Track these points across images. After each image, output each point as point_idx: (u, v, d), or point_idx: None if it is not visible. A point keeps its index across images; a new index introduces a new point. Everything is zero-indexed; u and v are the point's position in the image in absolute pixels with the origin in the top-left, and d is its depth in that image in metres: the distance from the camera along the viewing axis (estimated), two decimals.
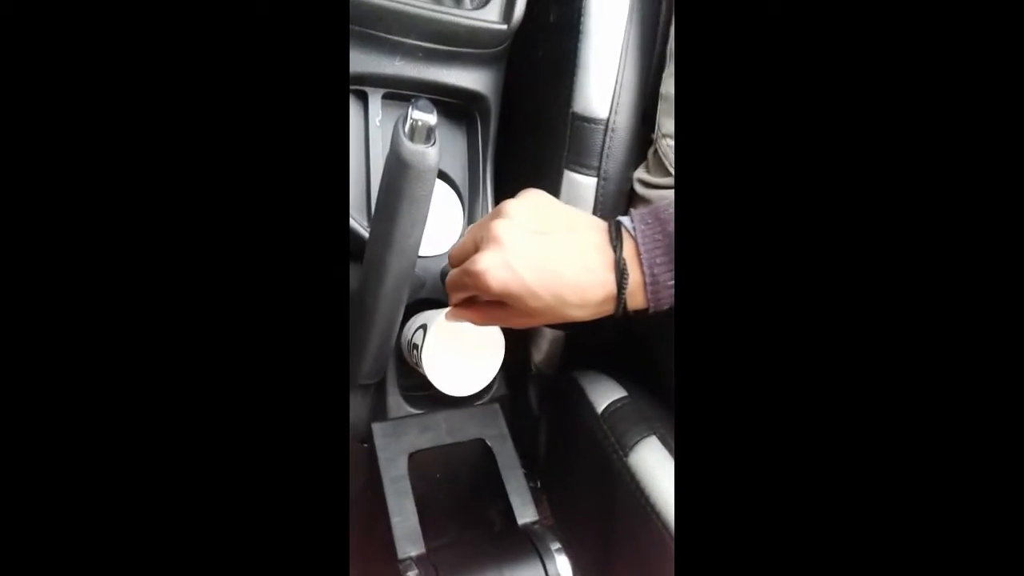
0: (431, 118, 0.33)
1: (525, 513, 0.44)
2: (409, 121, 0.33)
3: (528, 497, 0.45)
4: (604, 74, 0.48)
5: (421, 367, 0.44)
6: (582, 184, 0.52)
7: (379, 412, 0.47)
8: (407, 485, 0.42)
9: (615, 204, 0.53)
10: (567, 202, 0.55)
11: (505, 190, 0.58)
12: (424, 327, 0.45)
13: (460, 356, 0.47)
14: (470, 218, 0.55)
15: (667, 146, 0.49)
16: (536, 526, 0.43)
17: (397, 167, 0.34)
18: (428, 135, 0.33)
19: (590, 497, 0.47)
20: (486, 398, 0.52)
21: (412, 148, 0.33)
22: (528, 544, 0.42)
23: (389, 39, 0.45)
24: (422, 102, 0.33)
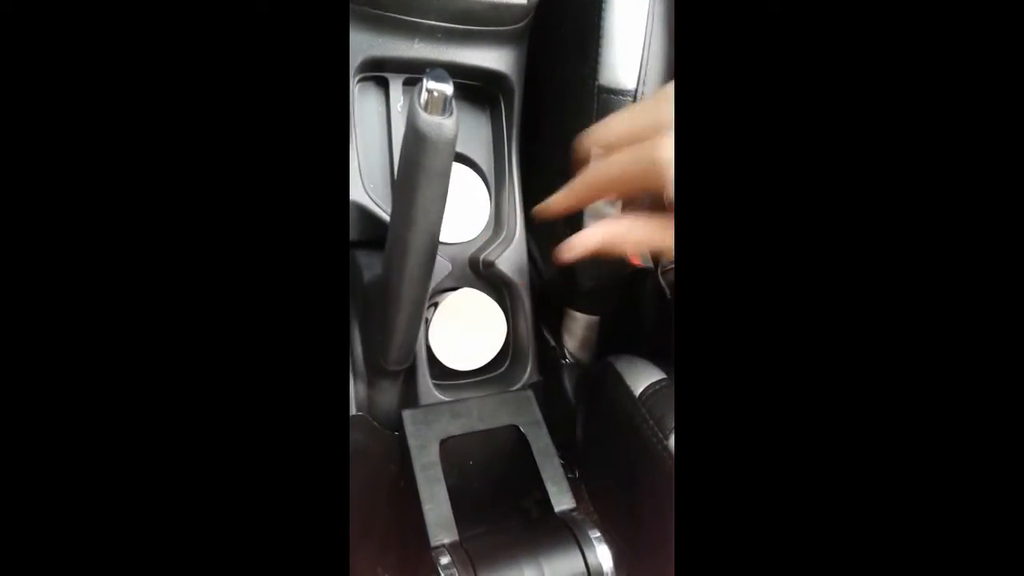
0: (447, 88, 0.32)
1: (562, 500, 0.42)
2: (424, 92, 0.32)
3: (565, 484, 0.43)
4: (630, 44, 0.46)
5: (427, 340, 0.45)
6: None
7: (410, 399, 0.46)
8: (439, 472, 0.41)
9: None
10: None
11: (533, 172, 0.57)
12: (435, 304, 0.45)
13: (464, 331, 0.48)
14: (496, 203, 0.54)
15: None
16: (574, 514, 0.42)
17: (414, 140, 0.33)
18: (445, 106, 0.32)
19: (629, 484, 0.45)
20: (520, 384, 0.51)
21: (428, 119, 0.32)
22: (566, 532, 0.40)
23: (406, 20, 0.45)
24: (437, 71, 0.32)
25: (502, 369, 0.53)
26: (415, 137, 0.33)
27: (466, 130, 0.53)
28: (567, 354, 0.58)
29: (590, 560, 0.39)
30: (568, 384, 0.57)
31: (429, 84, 0.32)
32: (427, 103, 0.32)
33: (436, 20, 0.45)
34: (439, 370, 0.49)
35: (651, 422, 0.42)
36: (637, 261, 0.48)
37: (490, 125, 0.54)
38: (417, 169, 0.34)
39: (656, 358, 0.52)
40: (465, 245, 0.53)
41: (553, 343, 0.59)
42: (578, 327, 0.57)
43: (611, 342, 0.57)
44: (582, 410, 0.54)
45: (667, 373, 0.47)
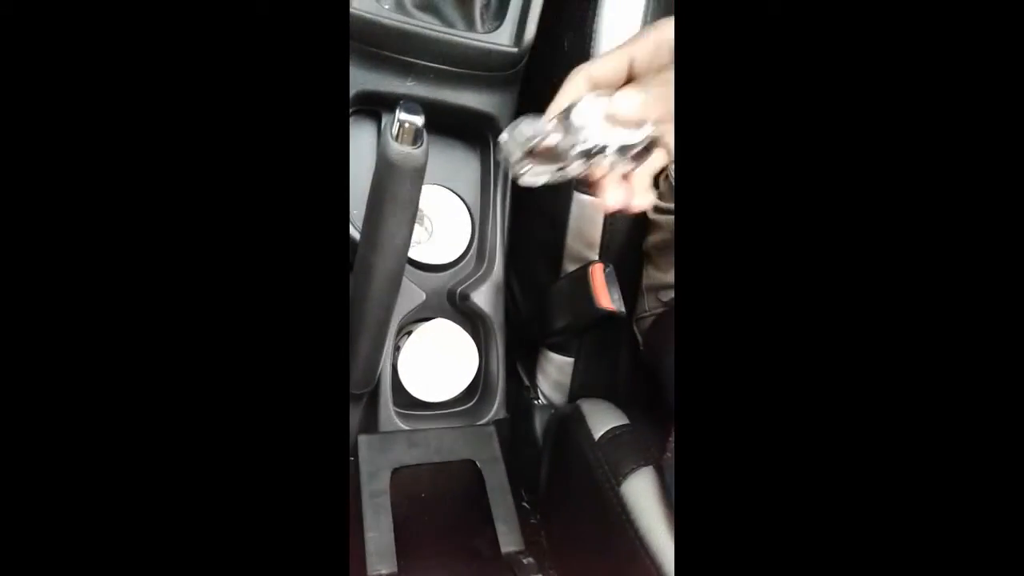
0: (418, 119, 0.34)
1: (510, 541, 0.41)
2: (396, 122, 0.33)
3: (515, 525, 0.42)
4: None
5: (396, 367, 0.45)
6: (591, 204, 0.51)
7: (370, 425, 0.46)
8: (387, 501, 0.40)
9: (626, 227, 0.52)
10: (576, 222, 0.54)
11: (518, 212, 0.58)
12: (409, 332, 0.45)
13: (435, 362, 0.48)
14: (480, 237, 0.55)
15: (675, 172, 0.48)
16: (520, 556, 0.41)
17: (384, 168, 0.34)
18: (416, 137, 0.34)
19: (583, 529, 0.43)
20: (485, 419, 0.51)
21: (398, 148, 0.33)
22: (509, 574, 0.39)
23: (401, 60, 0.47)
24: (410, 104, 0.34)
25: (470, 404, 0.53)
26: (385, 165, 0.34)
27: (455, 167, 0.55)
28: (540, 395, 0.58)
29: None
30: (537, 425, 0.57)
31: (401, 115, 0.33)
32: (399, 133, 0.34)
33: (430, 61, 0.47)
34: (405, 399, 0.49)
35: (606, 467, 0.41)
36: (610, 306, 0.48)
37: (479, 163, 0.56)
38: (385, 195, 0.35)
39: (626, 405, 0.51)
40: (443, 276, 0.54)
41: (527, 382, 0.59)
42: (552, 368, 0.57)
43: (585, 386, 0.57)
44: (547, 451, 0.53)
45: (631, 419, 0.46)
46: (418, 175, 0.35)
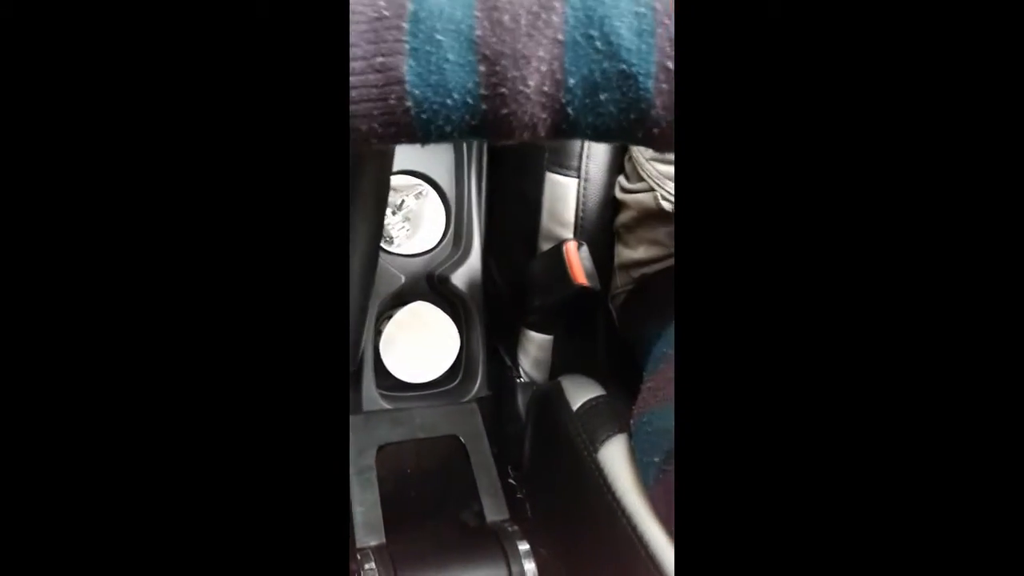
0: None
1: (495, 512, 0.43)
2: None
3: (500, 496, 0.44)
4: None
5: (378, 350, 0.47)
6: (564, 184, 0.52)
7: (354, 406, 0.47)
8: (373, 476, 0.41)
9: (598, 206, 0.53)
10: (550, 203, 0.55)
11: (493, 194, 0.59)
12: (389, 316, 0.46)
13: (416, 344, 0.50)
14: (456, 221, 0.56)
15: (638, 153, 0.49)
16: (506, 525, 0.42)
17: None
18: None
19: (564, 496, 0.45)
20: (468, 397, 0.52)
21: None
22: (495, 543, 0.40)
23: None
24: None
25: (452, 384, 0.54)
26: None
27: (428, 152, 0.55)
28: (521, 373, 0.59)
29: (514, 572, 0.39)
30: (521, 402, 0.58)
31: None
32: None
33: None
34: (389, 381, 0.50)
35: (583, 435, 0.42)
36: (585, 281, 0.49)
37: (452, 148, 0.56)
38: (357, 175, 0.35)
39: (604, 378, 0.53)
40: (422, 260, 0.55)
41: (508, 362, 0.60)
42: (532, 346, 0.58)
43: (566, 363, 0.58)
44: (530, 426, 0.55)
45: (607, 391, 0.48)
46: (389, 152, 0.35)
